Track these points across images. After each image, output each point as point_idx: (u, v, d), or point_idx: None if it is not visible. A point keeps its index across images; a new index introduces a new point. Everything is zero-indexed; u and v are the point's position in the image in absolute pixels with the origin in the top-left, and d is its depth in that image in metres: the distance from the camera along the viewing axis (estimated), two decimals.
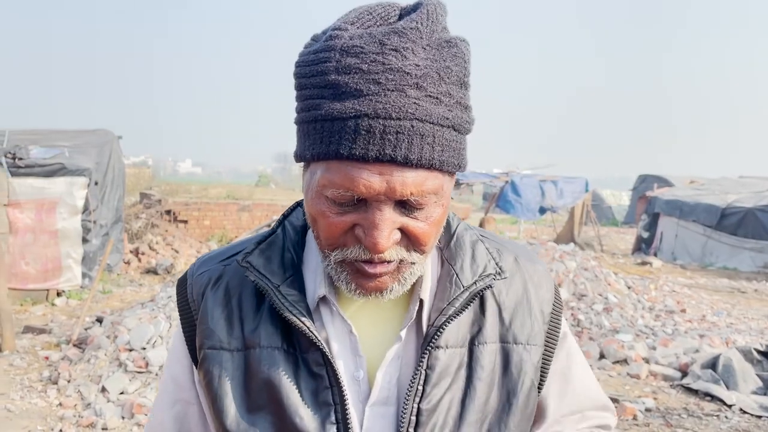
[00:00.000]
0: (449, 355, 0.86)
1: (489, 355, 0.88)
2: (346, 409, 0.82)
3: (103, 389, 4.90)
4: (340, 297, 0.88)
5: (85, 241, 8.99)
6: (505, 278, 0.90)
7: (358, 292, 0.82)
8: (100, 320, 6.64)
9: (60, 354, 5.88)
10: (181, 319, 0.94)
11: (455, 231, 0.94)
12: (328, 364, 0.83)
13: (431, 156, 0.76)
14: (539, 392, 0.94)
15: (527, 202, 17.33)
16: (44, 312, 8.01)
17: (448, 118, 0.77)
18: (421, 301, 0.87)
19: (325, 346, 0.83)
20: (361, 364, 0.86)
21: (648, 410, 5.09)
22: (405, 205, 0.77)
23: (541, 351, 0.92)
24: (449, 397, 0.85)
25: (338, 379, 0.83)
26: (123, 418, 4.60)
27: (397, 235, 0.78)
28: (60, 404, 4.85)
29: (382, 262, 0.79)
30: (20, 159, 8.61)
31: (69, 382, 5.17)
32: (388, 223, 0.76)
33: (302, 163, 0.83)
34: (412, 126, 0.74)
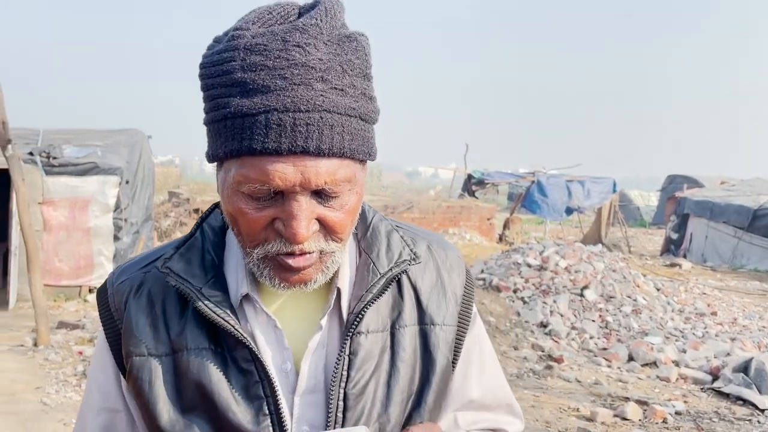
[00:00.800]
0: (371, 340, 0.89)
1: (409, 337, 0.92)
2: (278, 401, 0.85)
3: None
4: (262, 293, 0.90)
5: (116, 238, 9.14)
6: (419, 263, 0.95)
7: (282, 285, 0.84)
8: None
9: (93, 349, 6.02)
10: (104, 329, 0.94)
11: (371, 222, 0.98)
12: (256, 359, 0.85)
13: (342, 145, 0.79)
14: (453, 369, 0.98)
15: (553, 202, 17.20)
16: (77, 308, 8.18)
17: (354, 109, 0.80)
18: (339, 290, 0.90)
19: (251, 342, 0.85)
20: (287, 357, 0.89)
21: (678, 413, 5.03)
22: (321, 195, 0.80)
23: (454, 330, 0.97)
24: (375, 380, 0.88)
25: (267, 372, 0.85)
26: None
27: (315, 225, 0.81)
28: None
29: (304, 254, 0.81)
30: (54, 158, 8.80)
31: None
32: (306, 213, 0.79)
33: (215, 164, 0.86)
34: (321, 117, 0.77)
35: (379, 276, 0.90)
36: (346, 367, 0.87)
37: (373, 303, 0.89)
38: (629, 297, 8.00)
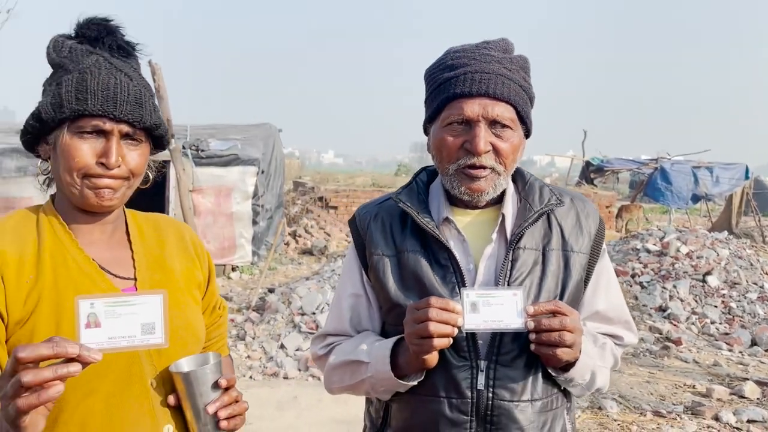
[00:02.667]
0: (527, 254, 1.34)
1: (555, 257, 1.36)
2: (464, 287, 1.30)
3: (282, 346, 5.75)
4: (455, 217, 1.39)
5: (254, 222, 10.12)
6: (562, 206, 1.38)
7: (466, 192, 1.33)
8: (271, 290, 7.62)
9: (243, 317, 6.88)
10: (354, 242, 1.47)
11: (528, 180, 1.44)
12: (452, 258, 1.34)
13: (508, 95, 1.31)
14: (584, 288, 1.40)
15: (678, 189, 16.50)
16: (222, 284, 9.21)
17: (516, 81, 1.33)
18: (503, 216, 1.36)
19: (449, 246, 1.34)
20: (470, 260, 1.36)
21: None
22: (494, 126, 1.29)
23: (587, 257, 1.39)
24: (529, 280, 1.32)
25: (459, 267, 1.33)
26: (299, 370, 5.39)
27: (489, 147, 1.30)
28: (248, 357, 5.76)
29: (481, 167, 1.29)
30: (202, 151, 9.90)
31: (254, 339, 6.08)
32: (484, 134, 1.29)
33: (430, 131, 1.39)
34: (496, 77, 1.31)
35: (533, 212, 1.36)
36: (509, 269, 1.33)
37: (528, 228, 1.35)
38: (755, 284, 7.79)
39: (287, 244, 12.41)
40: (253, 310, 7.01)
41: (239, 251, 9.98)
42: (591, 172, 20.04)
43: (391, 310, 1.38)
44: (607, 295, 1.44)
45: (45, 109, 1.17)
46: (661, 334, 6.60)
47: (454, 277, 1.32)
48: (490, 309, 1.19)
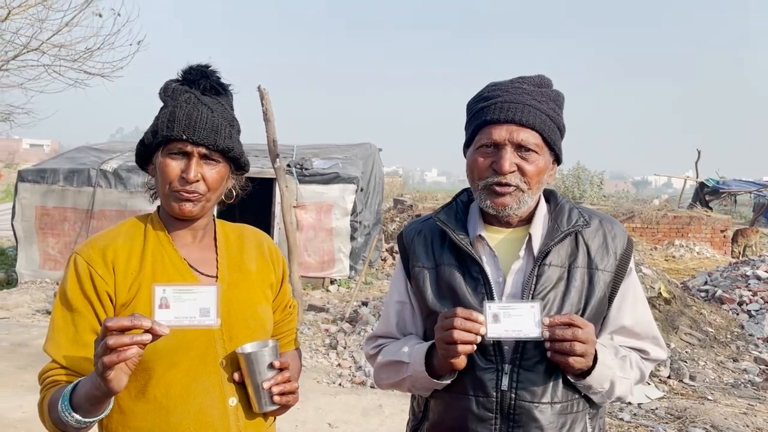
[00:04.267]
0: (552, 270, 1.47)
1: (580, 274, 1.48)
2: (493, 298, 1.47)
3: None
4: (488, 235, 1.55)
5: (352, 238, 10.50)
6: (589, 227, 1.50)
7: (492, 207, 1.49)
8: (365, 303, 7.93)
9: (336, 327, 7.22)
10: (401, 255, 1.67)
11: (559, 202, 1.57)
12: (482, 272, 1.50)
13: (534, 122, 1.47)
14: (609, 304, 1.51)
15: None
16: (321, 296, 9.66)
17: (545, 111, 1.49)
18: (530, 235, 1.50)
19: (481, 262, 1.50)
20: (500, 273, 1.51)
21: None
22: (520, 150, 1.45)
23: (612, 276, 1.50)
24: (553, 294, 1.45)
25: (488, 280, 1.49)
26: None
27: (515, 168, 1.45)
28: (339, 365, 6.07)
29: (507, 185, 1.45)
30: (306, 169, 10.46)
31: (345, 348, 6.39)
32: (509, 156, 1.46)
33: (467, 154, 1.56)
34: (524, 106, 1.47)
35: (560, 232, 1.51)
36: (533, 283, 1.47)
37: (554, 247, 1.50)
38: None
39: (384, 259, 12.74)
40: (347, 322, 7.34)
41: (337, 265, 10.40)
42: (706, 194, 18.98)
43: (429, 317, 1.56)
44: (633, 312, 1.55)
45: (147, 136, 1.49)
46: (766, 365, 6.23)
47: (484, 288, 1.48)
48: (511, 320, 1.34)
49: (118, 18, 7.86)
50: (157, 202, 1.57)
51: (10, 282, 10.39)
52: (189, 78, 1.51)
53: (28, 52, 7.47)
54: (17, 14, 7.07)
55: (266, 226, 10.77)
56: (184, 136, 1.42)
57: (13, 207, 10.35)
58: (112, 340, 1.17)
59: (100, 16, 7.84)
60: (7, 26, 7.31)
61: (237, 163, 1.55)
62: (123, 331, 1.20)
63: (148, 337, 1.21)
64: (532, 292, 1.46)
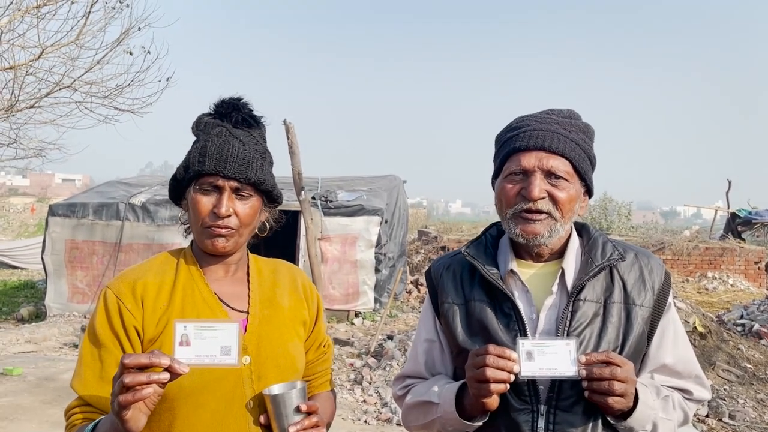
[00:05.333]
0: (587, 306, 1.40)
1: (617, 310, 1.40)
2: (526, 335, 1.39)
3: None
4: (519, 270, 1.49)
5: (377, 270, 10.45)
6: (624, 260, 1.43)
7: (522, 235, 1.43)
8: (390, 337, 7.82)
9: (362, 362, 7.11)
10: (428, 291, 1.62)
11: (593, 235, 1.51)
12: (514, 308, 1.43)
13: (564, 149, 1.43)
14: (649, 341, 1.43)
15: None
16: (346, 329, 9.57)
17: (574, 140, 1.45)
18: (563, 270, 1.43)
19: (513, 297, 1.43)
20: (533, 309, 1.44)
21: None
22: (550, 177, 1.40)
23: (650, 311, 1.42)
24: (589, 330, 1.38)
25: (521, 317, 1.42)
26: None
27: (545, 194, 1.40)
28: (364, 401, 5.95)
29: (538, 211, 1.39)
30: (331, 201, 10.49)
31: (370, 384, 6.28)
32: (539, 182, 1.41)
33: (495, 185, 1.51)
34: (553, 134, 1.44)
35: (594, 266, 1.44)
36: (568, 319, 1.41)
37: (589, 281, 1.43)
38: None
39: (409, 292, 12.63)
40: (372, 356, 7.23)
41: (362, 298, 10.33)
42: (738, 224, 18.56)
43: (459, 355, 1.49)
44: (674, 349, 1.46)
45: (179, 171, 1.47)
46: None
47: (517, 325, 1.41)
48: (545, 357, 1.27)
49: (148, 55, 8.04)
50: (191, 237, 1.54)
51: (39, 315, 10.50)
52: (221, 111, 1.49)
53: (60, 89, 7.67)
54: (50, 53, 7.27)
55: (291, 258, 10.78)
56: (215, 171, 1.40)
57: (44, 241, 10.53)
58: (128, 379, 1.13)
59: (131, 53, 8.03)
60: (41, 64, 7.52)
61: (269, 195, 1.52)
62: (141, 368, 1.15)
63: (166, 375, 1.16)
64: (567, 328, 1.39)
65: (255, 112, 1.52)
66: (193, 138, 1.50)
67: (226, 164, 1.40)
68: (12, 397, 5.90)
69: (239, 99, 1.50)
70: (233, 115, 1.47)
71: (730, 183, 19.42)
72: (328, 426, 1.58)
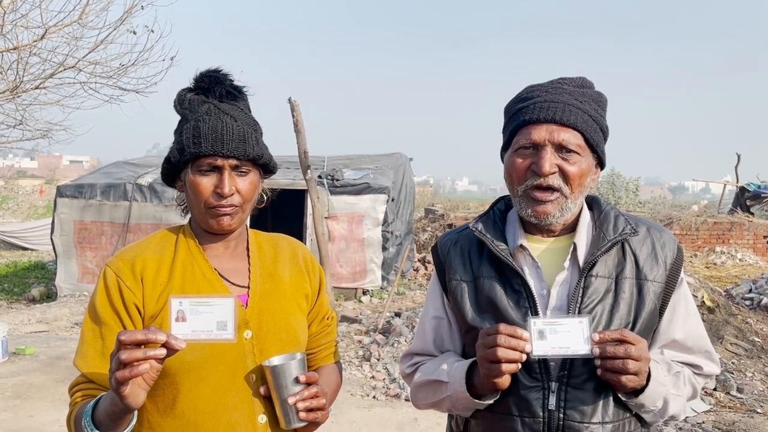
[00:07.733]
0: (599, 282, 1.37)
1: (628, 285, 1.38)
2: (536, 312, 1.37)
3: None
4: (529, 245, 1.45)
5: (384, 248, 10.46)
6: (636, 235, 1.39)
7: (532, 215, 1.40)
8: (398, 314, 7.86)
9: (369, 339, 7.16)
10: (435, 268, 1.57)
11: (604, 209, 1.47)
12: (525, 284, 1.40)
13: (575, 122, 1.38)
14: (660, 317, 1.40)
15: None
16: (354, 307, 9.62)
17: (586, 111, 1.40)
18: (575, 245, 1.40)
19: (523, 274, 1.40)
20: (543, 286, 1.42)
21: None
22: (561, 151, 1.35)
23: (662, 287, 1.39)
24: (600, 307, 1.35)
25: (532, 293, 1.39)
26: None
27: (555, 169, 1.36)
28: (372, 377, 6.00)
29: (549, 187, 1.35)
30: (337, 180, 10.47)
31: (378, 360, 6.33)
32: (550, 156, 1.37)
33: (504, 158, 1.47)
34: (564, 105, 1.38)
35: (606, 241, 1.41)
36: (580, 295, 1.38)
37: (601, 257, 1.40)
38: None
39: (416, 269, 12.65)
40: (380, 333, 7.27)
41: (369, 276, 10.36)
42: (747, 198, 18.41)
43: (468, 333, 1.48)
44: (685, 325, 1.44)
45: (173, 153, 1.44)
46: None
47: (527, 302, 1.39)
48: (557, 336, 1.25)
49: (152, 34, 7.97)
50: (189, 216, 1.53)
51: (50, 296, 10.60)
52: (202, 86, 1.45)
53: (64, 69, 7.62)
54: (53, 33, 7.23)
55: (298, 237, 10.77)
56: (213, 151, 1.38)
57: (53, 222, 10.59)
58: (124, 355, 1.14)
59: (134, 33, 7.96)
60: (44, 45, 7.48)
61: (266, 167, 1.51)
62: (138, 345, 1.16)
63: (162, 351, 1.16)
64: (578, 305, 1.37)
65: (237, 83, 1.48)
66: (178, 117, 1.46)
67: (223, 143, 1.38)
68: (25, 376, 5.98)
69: (218, 71, 1.47)
70: (216, 89, 1.44)
71: (739, 157, 19.24)
72: (333, 396, 1.59)
